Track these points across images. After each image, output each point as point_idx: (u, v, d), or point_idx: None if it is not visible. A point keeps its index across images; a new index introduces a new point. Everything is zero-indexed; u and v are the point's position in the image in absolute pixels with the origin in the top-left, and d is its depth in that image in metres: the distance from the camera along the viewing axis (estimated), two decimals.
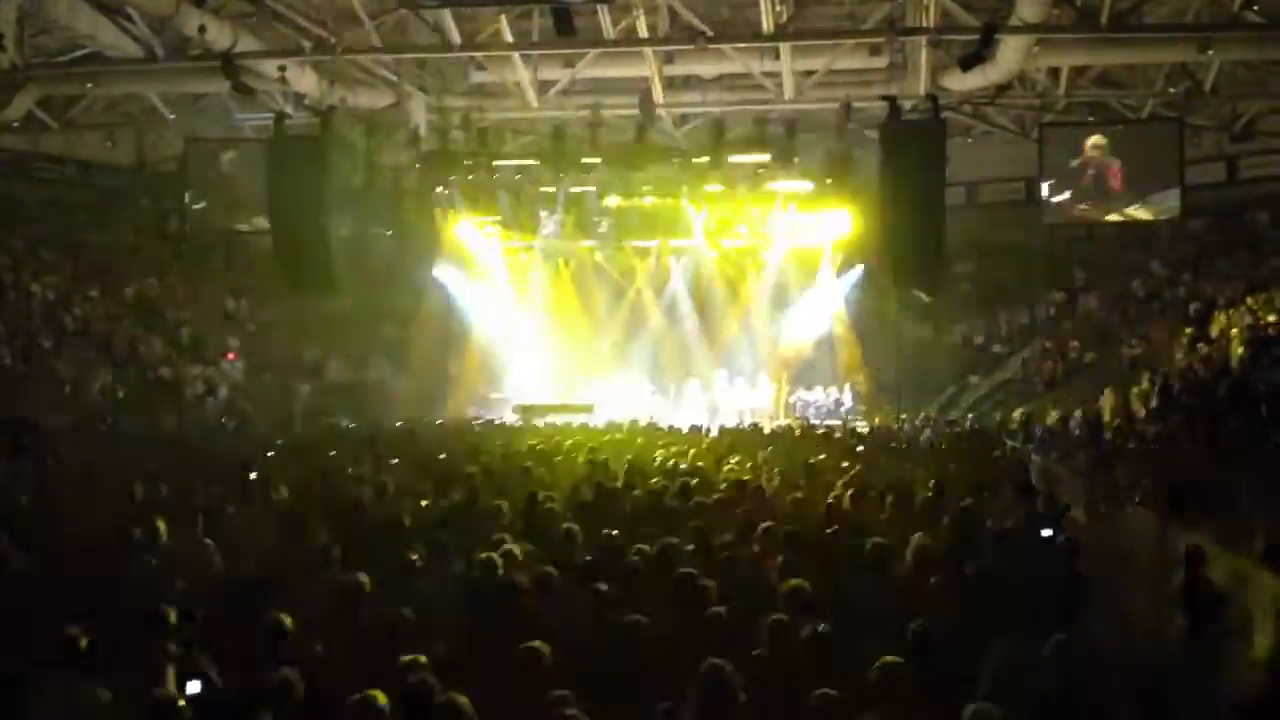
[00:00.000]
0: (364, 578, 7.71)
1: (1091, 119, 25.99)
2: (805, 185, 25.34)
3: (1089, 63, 22.82)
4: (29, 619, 7.30)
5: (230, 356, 28.54)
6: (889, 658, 5.92)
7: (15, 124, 25.57)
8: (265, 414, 26.15)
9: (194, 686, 6.29)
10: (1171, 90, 23.91)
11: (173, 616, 6.92)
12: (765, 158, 24.09)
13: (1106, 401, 22.16)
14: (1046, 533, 10.32)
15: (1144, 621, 10.35)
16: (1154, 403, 20.44)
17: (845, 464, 15.49)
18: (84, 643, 6.47)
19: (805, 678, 6.04)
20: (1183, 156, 24.25)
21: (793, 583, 7.49)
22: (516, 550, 8.71)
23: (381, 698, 5.45)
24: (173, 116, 27.04)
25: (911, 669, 5.94)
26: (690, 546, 9.16)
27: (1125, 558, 14.94)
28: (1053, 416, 22.78)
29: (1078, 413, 22.16)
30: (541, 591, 7.70)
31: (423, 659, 6.18)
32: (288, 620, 6.84)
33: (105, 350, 26.02)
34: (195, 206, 27.89)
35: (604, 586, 7.62)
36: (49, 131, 27.17)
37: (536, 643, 6.22)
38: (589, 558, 8.71)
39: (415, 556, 8.48)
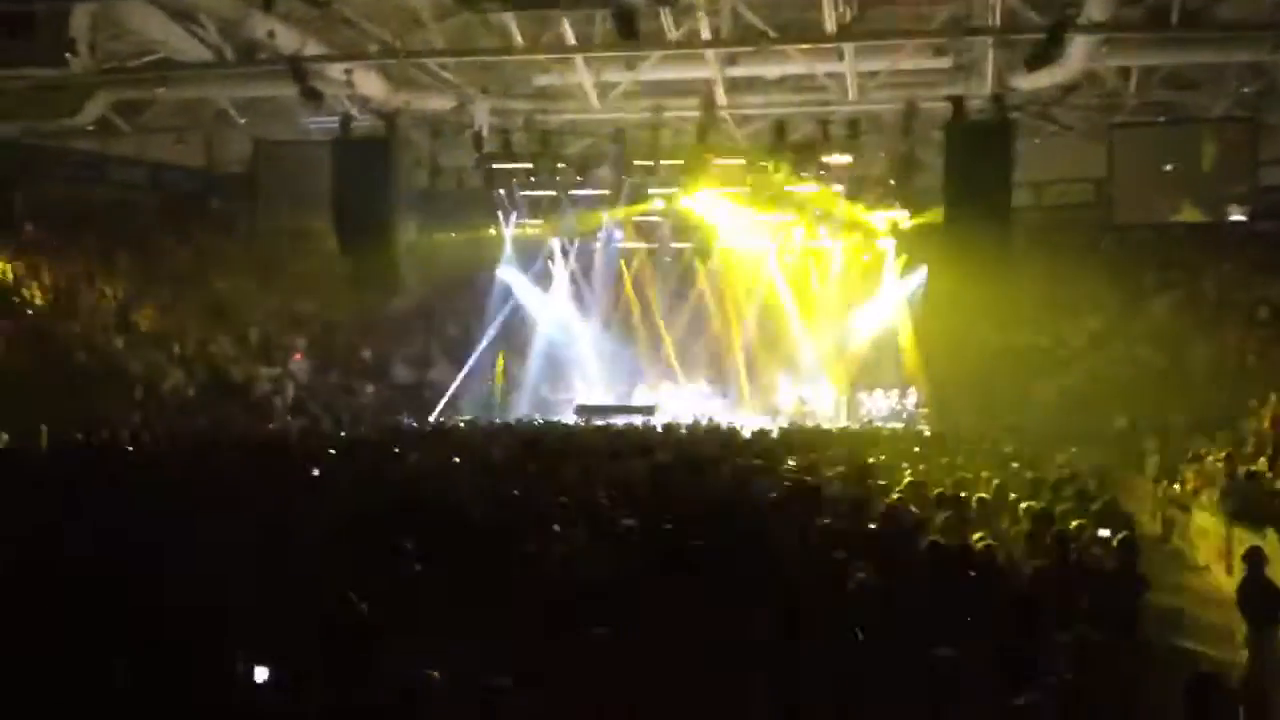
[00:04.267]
0: None
1: (1162, 119, 25.57)
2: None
3: (1159, 62, 22.43)
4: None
5: (297, 357, 28.86)
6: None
7: (89, 127, 26.09)
8: (331, 413, 26.43)
9: (262, 674, 6.39)
10: (1244, 90, 23.46)
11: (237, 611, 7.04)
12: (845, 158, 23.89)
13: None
14: (1104, 533, 10.20)
15: (1204, 620, 10.32)
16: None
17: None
18: None
19: None
20: (1256, 157, 23.84)
21: None
22: None
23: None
24: (242, 120, 27.45)
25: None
26: None
27: (1189, 561, 14.88)
28: (1121, 422, 22.43)
29: (1148, 418, 21.84)
30: None
31: None
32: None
33: (175, 350, 26.40)
34: (263, 208, 28.37)
35: None
36: (121, 135, 27.67)
37: None
38: None
39: None
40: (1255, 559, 9.39)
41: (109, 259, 28.32)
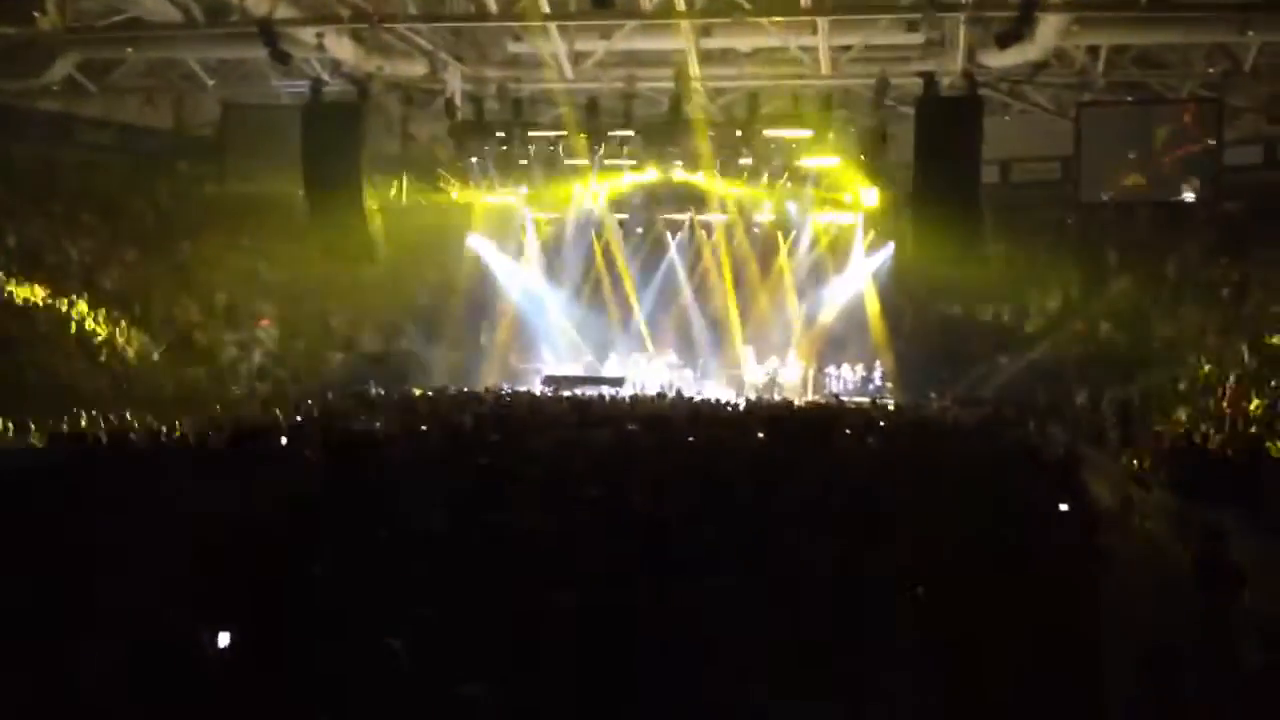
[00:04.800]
0: None
1: (1130, 99, 25.76)
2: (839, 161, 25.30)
3: (1128, 42, 22.63)
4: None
5: (264, 322, 28.73)
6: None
7: (55, 87, 25.82)
8: (297, 380, 26.35)
9: (224, 638, 6.39)
10: (1210, 71, 23.69)
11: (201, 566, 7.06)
12: (802, 133, 24.06)
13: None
14: (1064, 507, 10.38)
15: (1161, 595, 10.48)
16: (1183, 385, 20.44)
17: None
18: None
19: None
20: (1221, 138, 24.06)
21: None
22: None
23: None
24: (211, 82, 27.20)
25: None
26: None
27: (1148, 536, 15.10)
28: (1082, 398, 22.72)
29: (1108, 395, 22.12)
30: None
31: None
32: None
33: (141, 314, 26.21)
34: (232, 172, 28.15)
35: None
36: (88, 95, 27.36)
37: None
38: None
39: None
40: (1211, 534, 9.54)
41: (74, 220, 28.05)
